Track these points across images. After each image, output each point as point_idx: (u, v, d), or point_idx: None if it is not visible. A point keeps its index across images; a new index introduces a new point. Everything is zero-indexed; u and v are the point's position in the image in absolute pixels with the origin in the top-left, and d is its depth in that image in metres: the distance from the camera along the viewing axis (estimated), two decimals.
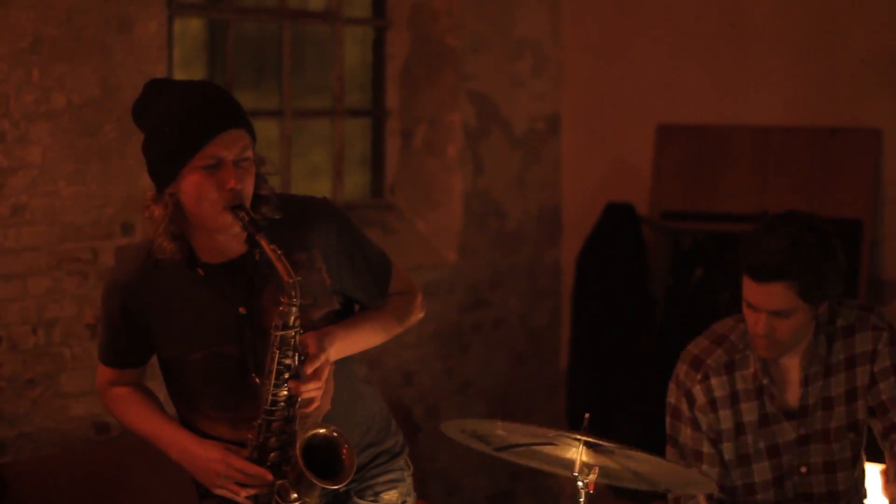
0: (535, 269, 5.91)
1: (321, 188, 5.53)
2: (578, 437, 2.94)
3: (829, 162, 5.25)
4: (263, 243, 2.76)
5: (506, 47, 5.71)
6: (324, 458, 2.85)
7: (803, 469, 3.42)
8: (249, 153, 2.82)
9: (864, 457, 3.49)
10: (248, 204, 2.80)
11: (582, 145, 5.91)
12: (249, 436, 2.87)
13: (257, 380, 2.87)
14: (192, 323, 2.91)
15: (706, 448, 3.43)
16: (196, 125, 2.77)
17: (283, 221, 2.89)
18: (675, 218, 5.58)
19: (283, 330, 2.80)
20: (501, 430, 3.06)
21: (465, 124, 5.59)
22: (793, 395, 3.40)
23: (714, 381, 3.40)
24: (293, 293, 2.77)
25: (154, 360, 3.07)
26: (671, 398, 3.47)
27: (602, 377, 5.53)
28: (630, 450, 2.99)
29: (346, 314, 3.01)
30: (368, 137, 5.76)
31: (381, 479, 3.09)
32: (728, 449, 3.42)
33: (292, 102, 5.34)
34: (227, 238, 2.85)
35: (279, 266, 2.76)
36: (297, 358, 2.82)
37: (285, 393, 2.83)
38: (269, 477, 2.85)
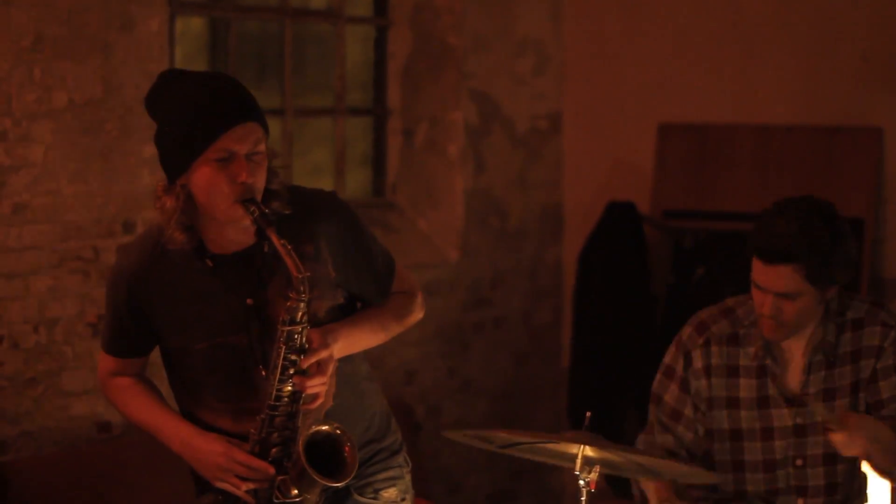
0: (536, 267, 5.91)
1: (322, 187, 5.52)
2: (581, 443, 2.95)
3: (831, 161, 5.25)
4: (274, 238, 2.75)
5: (507, 46, 5.71)
6: (326, 455, 2.85)
7: (799, 462, 3.42)
8: (262, 147, 2.82)
9: None
10: (259, 198, 2.80)
11: (583, 144, 5.91)
12: (252, 430, 2.87)
13: (263, 372, 2.87)
14: (199, 313, 2.90)
15: (688, 411, 3.47)
16: (210, 118, 2.76)
17: (291, 213, 2.88)
18: (676, 217, 5.58)
19: (290, 325, 2.80)
20: (504, 433, 3.08)
21: (466, 123, 5.59)
22: (794, 381, 3.41)
23: (714, 349, 3.45)
24: (302, 288, 2.77)
25: (152, 358, 3.07)
26: (668, 358, 3.53)
27: (604, 376, 5.53)
28: (633, 453, 3.00)
29: (349, 310, 3.01)
30: (370, 136, 5.76)
31: (380, 475, 3.08)
32: (719, 418, 3.44)
33: (294, 101, 5.34)
34: (236, 230, 2.85)
35: (289, 261, 2.75)
36: (302, 354, 2.82)
37: (289, 388, 2.83)
38: (272, 471, 2.84)
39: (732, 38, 5.49)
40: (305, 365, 2.82)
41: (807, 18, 5.31)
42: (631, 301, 5.51)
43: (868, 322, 3.41)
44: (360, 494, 3.05)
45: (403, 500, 3.12)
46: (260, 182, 2.82)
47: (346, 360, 2.95)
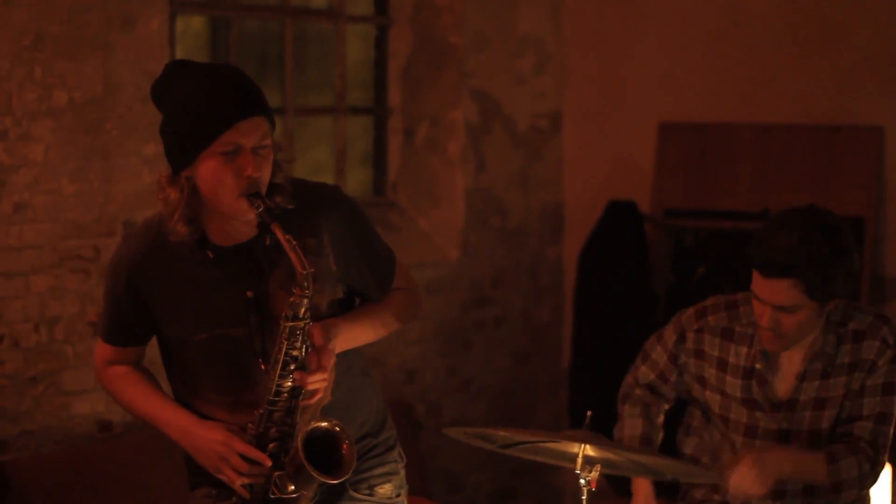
0: (537, 266, 5.91)
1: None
2: (582, 442, 2.95)
3: (832, 160, 5.25)
4: (279, 233, 2.75)
5: (508, 45, 5.71)
6: (324, 451, 2.84)
7: None
8: (268, 140, 2.81)
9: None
10: (264, 191, 2.79)
11: (584, 143, 5.91)
12: (250, 425, 2.86)
13: (263, 366, 2.86)
14: (199, 304, 2.90)
15: (673, 377, 3.53)
16: (217, 111, 2.75)
17: (294, 206, 2.88)
18: (677, 216, 5.58)
19: (292, 321, 2.79)
20: (504, 432, 3.08)
21: (467, 122, 5.59)
22: (784, 388, 3.40)
23: (707, 338, 3.45)
24: (306, 284, 2.76)
25: (150, 354, 3.07)
26: (665, 330, 3.55)
27: (604, 375, 5.52)
28: (634, 454, 3.00)
29: (348, 305, 3.01)
30: (370, 135, 5.76)
31: (376, 471, 3.08)
32: (712, 376, 3.46)
33: (294, 100, 5.34)
34: (239, 222, 2.85)
35: (293, 257, 2.74)
36: (304, 349, 2.82)
37: (290, 384, 2.82)
38: (269, 463, 2.84)
39: (733, 37, 5.49)
40: (315, 362, 2.81)
41: (808, 17, 5.31)
42: (631, 300, 5.51)
43: (869, 335, 3.38)
44: (356, 490, 3.04)
45: (398, 495, 3.11)
46: (266, 176, 2.81)
47: (343, 355, 2.94)
